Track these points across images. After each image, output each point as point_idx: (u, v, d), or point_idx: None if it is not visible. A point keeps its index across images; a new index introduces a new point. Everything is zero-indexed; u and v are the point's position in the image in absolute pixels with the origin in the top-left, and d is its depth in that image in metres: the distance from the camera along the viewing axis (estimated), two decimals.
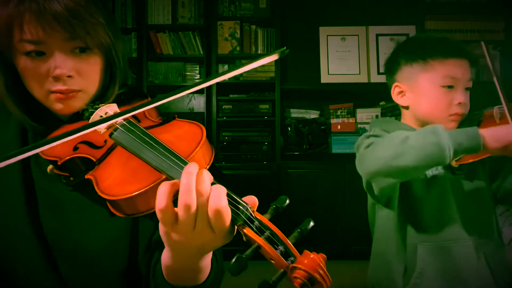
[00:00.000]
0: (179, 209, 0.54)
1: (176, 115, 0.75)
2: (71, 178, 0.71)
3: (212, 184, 0.56)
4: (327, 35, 3.66)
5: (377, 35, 3.65)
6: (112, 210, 0.61)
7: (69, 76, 0.75)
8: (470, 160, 1.13)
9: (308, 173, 3.41)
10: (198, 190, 0.54)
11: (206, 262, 0.66)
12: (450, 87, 1.18)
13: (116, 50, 0.80)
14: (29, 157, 0.80)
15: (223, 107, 3.56)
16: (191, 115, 3.77)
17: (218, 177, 0.58)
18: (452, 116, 1.18)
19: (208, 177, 0.55)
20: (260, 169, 3.43)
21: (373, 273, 1.29)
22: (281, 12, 3.60)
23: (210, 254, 0.66)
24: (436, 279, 1.15)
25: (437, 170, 1.19)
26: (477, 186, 1.21)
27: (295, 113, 3.77)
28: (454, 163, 1.16)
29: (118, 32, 0.82)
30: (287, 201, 0.58)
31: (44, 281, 0.78)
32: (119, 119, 0.69)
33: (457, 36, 3.52)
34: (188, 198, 0.53)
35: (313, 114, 3.76)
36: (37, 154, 0.69)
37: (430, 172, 1.19)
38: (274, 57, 0.59)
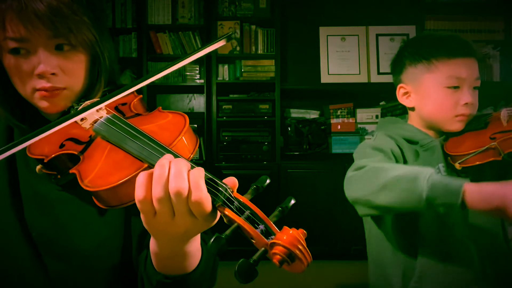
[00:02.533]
0: (154, 201, 0.54)
1: (160, 107, 0.75)
2: (59, 176, 0.71)
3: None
4: (327, 35, 3.66)
5: (377, 35, 3.64)
6: (97, 203, 0.61)
7: (53, 74, 0.75)
8: (477, 163, 1.11)
9: (308, 173, 3.41)
10: (172, 184, 0.53)
11: (194, 247, 0.66)
12: (455, 87, 1.15)
13: (101, 48, 0.80)
14: (15, 159, 0.80)
15: (223, 107, 3.56)
16: (191, 115, 3.77)
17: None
18: (458, 116, 1.16)
19: (184, 167, 0.54)
20: (260, 169, 3.43)
21: (371, 280, 1.28)
22: (281, 12, 3.60)
23: (198, 239, 0.66)
24: (436, 284, 1.12)
25: (440, 173, 1.16)
26: None
27: (295, 113, 3.77)
28: (457, 166, 1.13)
29: (105, 30, 0.82)
30: (268, 181, 0.59)
31: (35, 282, 0.77)
32: (104, 114, 0.70)
33: None
34: (159, 190, 0.53)
35: (313, 114, 3.75)
36: (26, 155, 0.69)
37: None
38: (221, 43, 0.63)
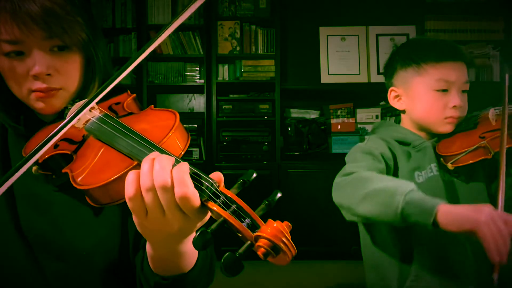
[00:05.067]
0: (143, 194, 0.55)
1: (152, 105, 0.75)
2: (54, 177, 0.72)
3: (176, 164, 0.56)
4: (327, 35, 3.66)
5: (377, 35, 3.64)
6: (89, 201, 0.62)
7: (48, 75, 0.75)
8: (469, 162, 1.13)
9: (308, 173, 3.41)
10: (157, 179, 0.53)
11: (190, 247, 0.66)
12: (444, 90, 1.17)
13: (95, 48, 0.80)
14: (9, 159, 0.81)
15: (223, 107, 3.56)
16: (191, 115, 3.77)
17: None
18: (448, 118, 1.18)
19: (166, 162, 0.55)
20: (260, 169, 3.43)
21: (368, 282, 1.29)
22: (281, 12, 3.60)
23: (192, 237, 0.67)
24: (432, 281, 1.13)
25: (432, 172, 1.18)
26: (475, 187, 1.20)
27: (295, 113, 3.77)
28: (450, 166, 1.16)
29: (98, 30, 0.82)
30: (254, 175, 0.60)
31: (32, 283, 0.78)
32: (96, 113, 0.71)
33: (457, 36, 3.52)
34: (147, 182, 0.54)
35: (313, 114, 3.75)
36: (22, 156, 0.70)
37: (424, 176, 1.18)
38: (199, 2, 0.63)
